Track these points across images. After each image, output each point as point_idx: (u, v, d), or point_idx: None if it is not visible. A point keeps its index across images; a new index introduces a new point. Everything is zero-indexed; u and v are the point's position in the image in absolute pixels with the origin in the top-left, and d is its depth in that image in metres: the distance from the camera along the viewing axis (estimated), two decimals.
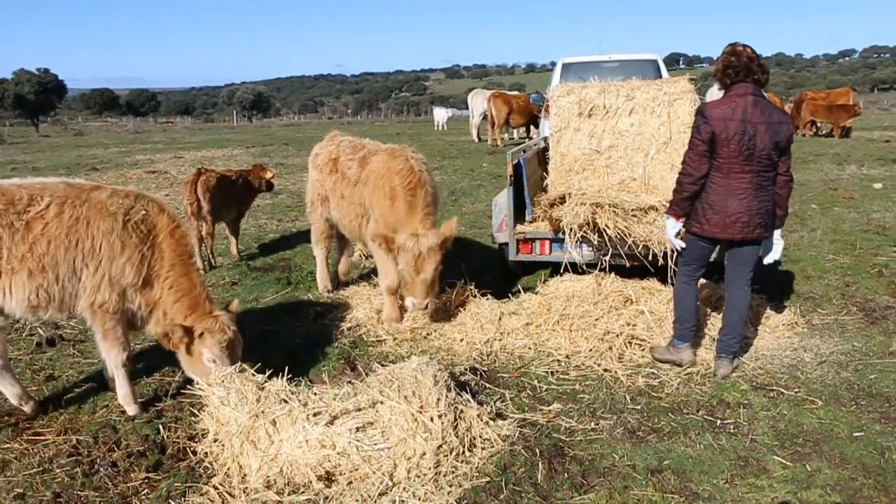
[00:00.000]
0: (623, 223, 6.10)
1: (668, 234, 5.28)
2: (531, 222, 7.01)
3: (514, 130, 28.26)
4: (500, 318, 6.21)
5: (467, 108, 29.96)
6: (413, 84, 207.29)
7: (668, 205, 5.29)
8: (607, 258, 6.38)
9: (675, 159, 6.51)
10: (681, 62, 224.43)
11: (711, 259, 5.50)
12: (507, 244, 6.95)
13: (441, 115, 44.18)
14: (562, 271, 6.59)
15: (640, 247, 6.08)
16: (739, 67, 4.85)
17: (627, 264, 6.33)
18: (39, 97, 57.83)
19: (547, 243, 6.74)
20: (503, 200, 7.09)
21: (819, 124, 26.96)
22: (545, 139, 8.34)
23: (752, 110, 4.77)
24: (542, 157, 8.01)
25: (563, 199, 6.51)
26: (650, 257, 6.13)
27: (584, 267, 6.50)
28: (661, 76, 10.93)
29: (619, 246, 6.20)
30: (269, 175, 9.37)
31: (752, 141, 4.75)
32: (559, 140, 7.31)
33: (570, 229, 6.20)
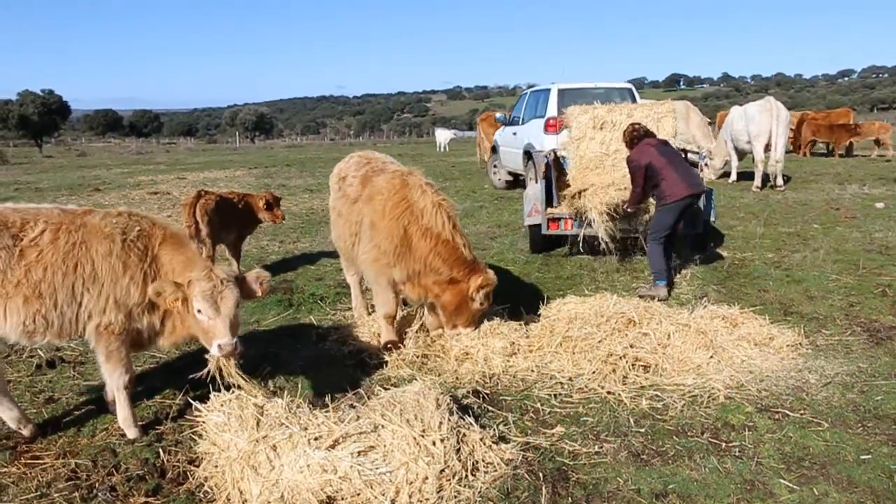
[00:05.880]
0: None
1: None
2: (556, 207, 9.53)
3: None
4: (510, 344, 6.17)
5: (469, 129, 30.24)
6: (415, 105, 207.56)
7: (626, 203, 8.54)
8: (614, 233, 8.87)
9: None
10: (681, 83, 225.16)
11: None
12: (538, 225, 9.61)
13: (443, 136, 44.33)
14: (580, 246, 9.51)
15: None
16: (639, 135, 8.24)
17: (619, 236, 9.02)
18: (43, 118, 57.95)
19: (570, 221, 9.34)
20: (532, 192, 9.80)
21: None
22: (554, 150, 10.78)
23: (658, 144, 8.22)
24: (556, 161, 10.35)
25: (580, 193, 9.22)
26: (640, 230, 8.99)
27: (599, 241, 8.94)
28: (635, 100, 14.68)
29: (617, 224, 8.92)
30: (261, 203, 9.31)
31: (665, 151, 8.06)
32: (578, 146, 9.68)
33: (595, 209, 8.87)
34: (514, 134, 17.18)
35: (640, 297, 7.44)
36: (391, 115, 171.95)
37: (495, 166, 19.40)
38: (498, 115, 20.63)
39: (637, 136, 8.27)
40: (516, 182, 18.59)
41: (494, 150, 19.44)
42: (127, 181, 23.03)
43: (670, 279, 8.12)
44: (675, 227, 8.18)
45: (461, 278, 5.93)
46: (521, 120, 17.03)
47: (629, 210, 8.54)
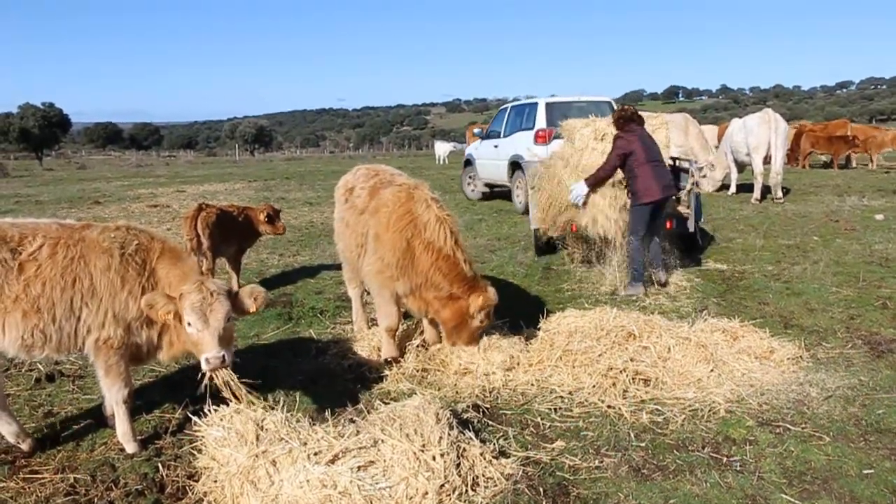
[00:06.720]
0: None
1: (578, 193, 8.93)
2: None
3: None
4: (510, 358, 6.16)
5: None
6: (414, 118, 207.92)
7: (588, 178, 8.81)
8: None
9: None
10: (680, 95, 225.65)
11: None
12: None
13: (442, 148, 44.45)
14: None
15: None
16: (627, 118, 8.63)
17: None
18: (44, 131, 58.09)
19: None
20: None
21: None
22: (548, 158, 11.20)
23: (648, 141, 8.51)
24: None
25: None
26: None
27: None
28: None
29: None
30: (261, 216, 9.35)
31: (650, 147, 8.41)
32: (581, 156, 9.80)
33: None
34: (496, 147, 17.84)
35: (622, 296, 8.46)
36: (390, 127, 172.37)
37: (470, 179, 20.07)
38: (476, 129, 21.79)
39: (627, 117, 8.63)
40: (492, 194, 19.32)
41: (468, 163, 20.11)
42: (127, 194, 23.06)
43: (668, 276, 8.96)
44: (665, 225, 8.93)
45: (460, 294, 5.91)
46: (501, 133, 17.74)
47: (588, 183, 8.81)
